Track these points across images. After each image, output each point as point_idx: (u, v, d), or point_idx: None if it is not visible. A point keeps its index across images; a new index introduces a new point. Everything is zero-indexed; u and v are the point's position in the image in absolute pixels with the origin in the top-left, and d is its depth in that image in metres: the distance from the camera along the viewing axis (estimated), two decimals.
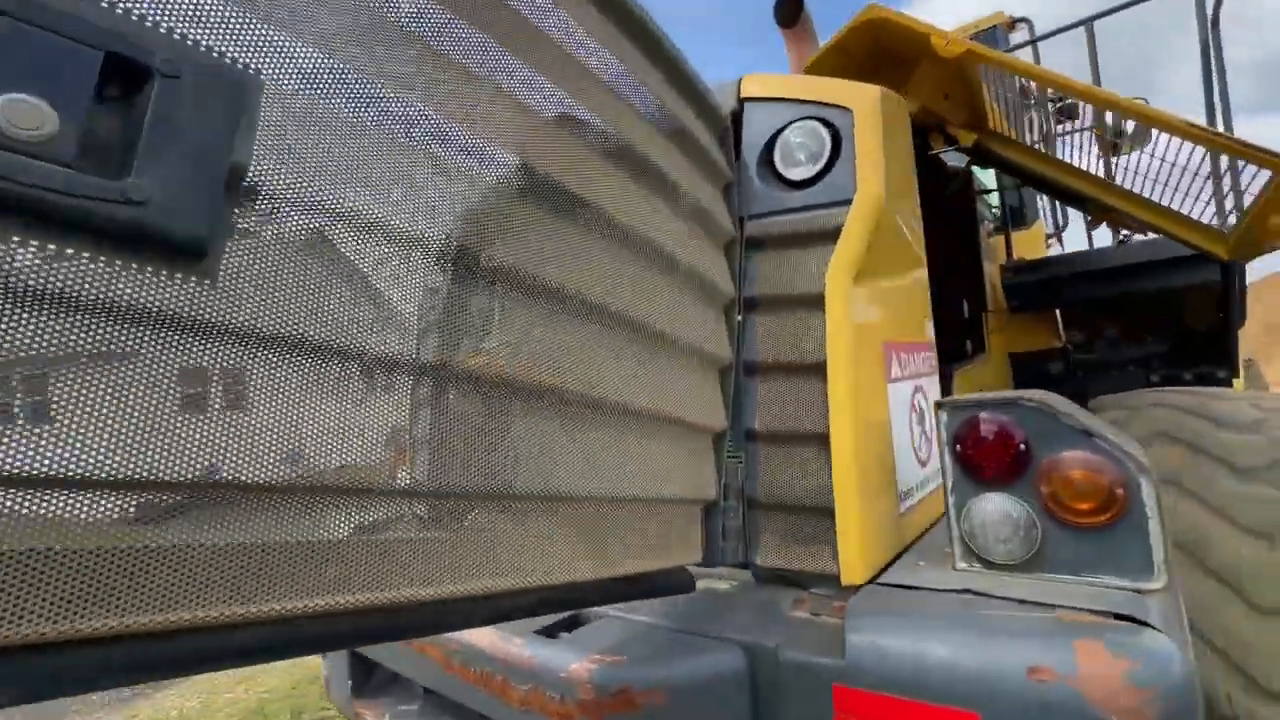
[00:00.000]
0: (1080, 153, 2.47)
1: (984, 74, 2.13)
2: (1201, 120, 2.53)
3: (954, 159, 3.30)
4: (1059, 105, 3.10)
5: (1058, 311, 3.80)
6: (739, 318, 1.50)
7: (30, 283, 0.50)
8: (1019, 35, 4.37)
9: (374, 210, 0.82)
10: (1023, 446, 1.21)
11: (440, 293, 0.97)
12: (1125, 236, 3.50)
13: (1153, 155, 2.21)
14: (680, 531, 1.40)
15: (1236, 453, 2.41)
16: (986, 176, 4.04)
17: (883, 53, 2.26)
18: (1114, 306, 3.56)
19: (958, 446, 1.28)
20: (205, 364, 0.63)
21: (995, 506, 1.23)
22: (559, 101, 1.18)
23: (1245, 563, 2.19)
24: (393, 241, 0.83)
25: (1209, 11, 2.39)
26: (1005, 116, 2.32)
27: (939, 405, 1.31)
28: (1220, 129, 2.40)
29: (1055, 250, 4.76)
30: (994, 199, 4.27)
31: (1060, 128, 2.98)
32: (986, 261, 3.70)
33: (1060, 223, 4.40)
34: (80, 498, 0.55)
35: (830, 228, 1.44)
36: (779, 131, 1.58)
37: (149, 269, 0.57)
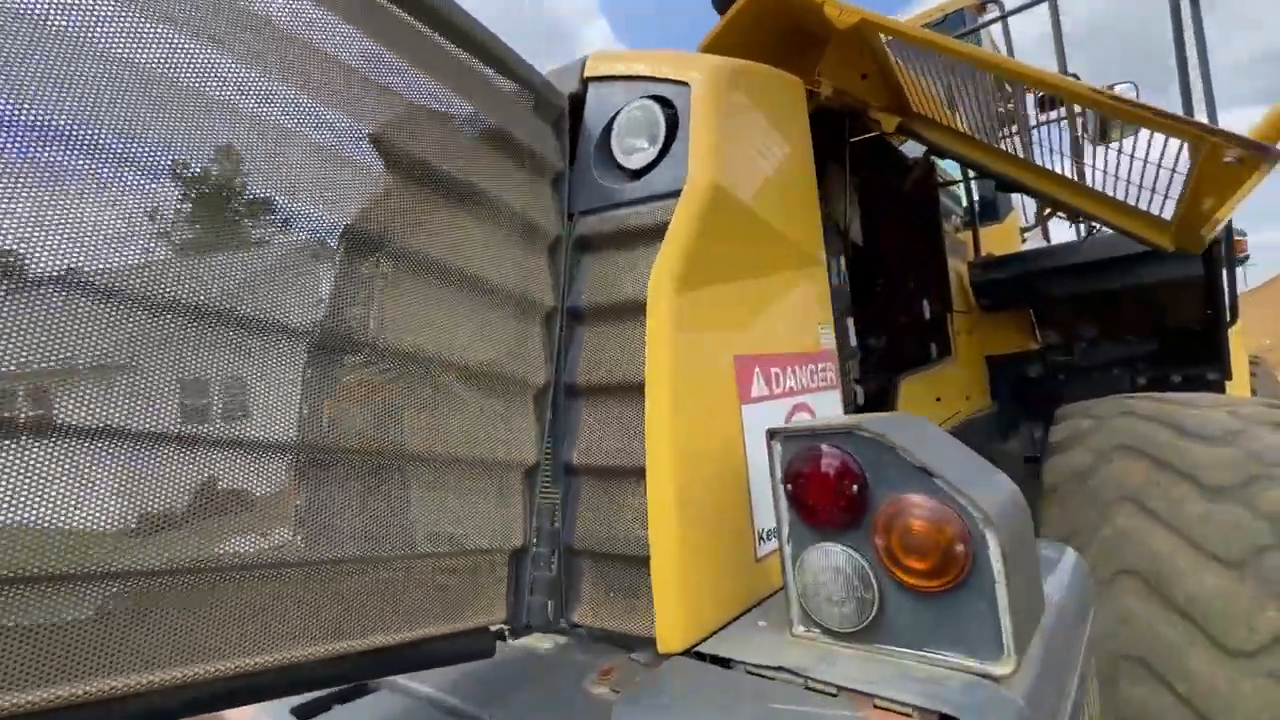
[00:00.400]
0: (1048, 145, 2.22)
1: (902, 51, 1.90)
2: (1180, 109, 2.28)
3: (915, 148, 3.05)
4: (1042, 95, 2.87)
5: (1031, 311, 3.53)
6: (561, 330, 1.29)
7: None
8: (991, 17, 4.09)
9: None
10: (856, 488, 0.98)
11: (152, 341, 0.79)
12: (1093, 229, 3.23)
13: (1108, 147, 1.95)
14: (480, 587, 1.19)
15: (1206, 469, 2.13)
16: (953, 167, 3.78)
17: (795, 31, 2.04)
18: (1092, 304, 3.28)
19: (789, 485, 1.05)
20: None
21: (827, 560, 1.00)
22: (342, 125, 1.02)
23: (1212, 596, 1.92)
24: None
25: None
26: (936, 98, 2.08)
27: (772, 434, 1.09)
28: (1204, 118, 2.14)
29: (1041, 244, 4.46)
30: (970, 192, 4.00)
31: (1044, 116, 2.73)
32: (952, 258, 3.44)
33: (1041, 214, 4.10)
34: None
35: (660, 223, 1.22)
36: (618, 114, 1.36)
37: None
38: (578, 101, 1.44)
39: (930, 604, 0.92)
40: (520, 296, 1.24)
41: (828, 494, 1.00)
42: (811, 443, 1.03)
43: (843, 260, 2.44)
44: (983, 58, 1.54)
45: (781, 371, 1.45)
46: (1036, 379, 3.75)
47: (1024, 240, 4.28)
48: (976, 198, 3.81)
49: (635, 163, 1.31)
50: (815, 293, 1.65)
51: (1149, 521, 2.11)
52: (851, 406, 2.27)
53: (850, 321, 2.38)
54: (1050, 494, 2.41)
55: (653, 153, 1.29)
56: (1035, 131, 2.26)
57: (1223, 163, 1.24)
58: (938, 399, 2.92)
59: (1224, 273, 3.00)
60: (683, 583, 1.10)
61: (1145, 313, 3.23)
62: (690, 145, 1.23)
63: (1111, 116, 1.39)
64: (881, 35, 1.72)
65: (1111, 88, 2.66)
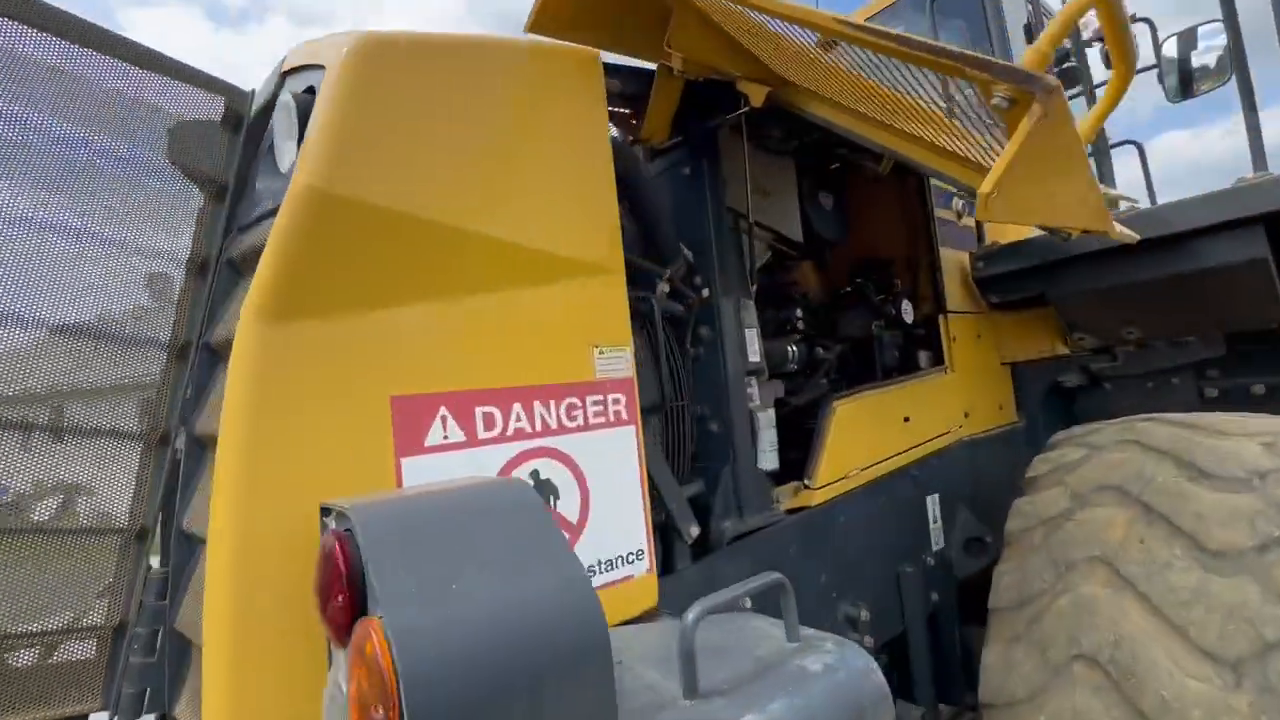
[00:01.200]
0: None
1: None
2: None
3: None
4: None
5: (1055, 309, 2.90)
6: (191, 371, 1.10)
7: None
8: None
9: None
10: (342, 597, 0.71)
11: None
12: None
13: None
14: (73, 671, 1.03)
15: (1211, 524, 1.58)
16: None
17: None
18: (1126, 298, 2.63)
19: (321, 577, 0.80)
20: None
21: (330, 687, 0.75)
22: None
23: (1194, 705, 1.40)
24: None
25: None
26: (827, 65, 1.69)
27: (325, 510, 0.84)
28: None
29: None
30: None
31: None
32: (953, 250, 2.92)
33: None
34: None
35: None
36: None
37: None
38: (272, 101, 1.25)
39: None
40: (137, 332, 1.07)
41: (326, 597, 0.74)
42: (336, 526, 0.78)
43: (747, 260, 2.08)
44: (765, 5, 1.18)
45: (502, 410, 1.18)
46: (1078, 390, 3.11)
47: None
48: None
49: (285, 166, 1.11)
50: (591, 309, 1.35)
51: (1122, 593, 1.59)
52: (748, 436, 1.91)
53: (754, 333, 2.02)
54: (1010, 545, 1.90)
55: (294, 154, 1.08)
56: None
57: (990, 104, 0.83)
58: (906, 419, 2.45)
59: None
60: (237, 692, 0.87)
61: (1201, 308, 2.54)
62: (304, 144, 1.00)
63: (885, 54, 1.01)
64: None
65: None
